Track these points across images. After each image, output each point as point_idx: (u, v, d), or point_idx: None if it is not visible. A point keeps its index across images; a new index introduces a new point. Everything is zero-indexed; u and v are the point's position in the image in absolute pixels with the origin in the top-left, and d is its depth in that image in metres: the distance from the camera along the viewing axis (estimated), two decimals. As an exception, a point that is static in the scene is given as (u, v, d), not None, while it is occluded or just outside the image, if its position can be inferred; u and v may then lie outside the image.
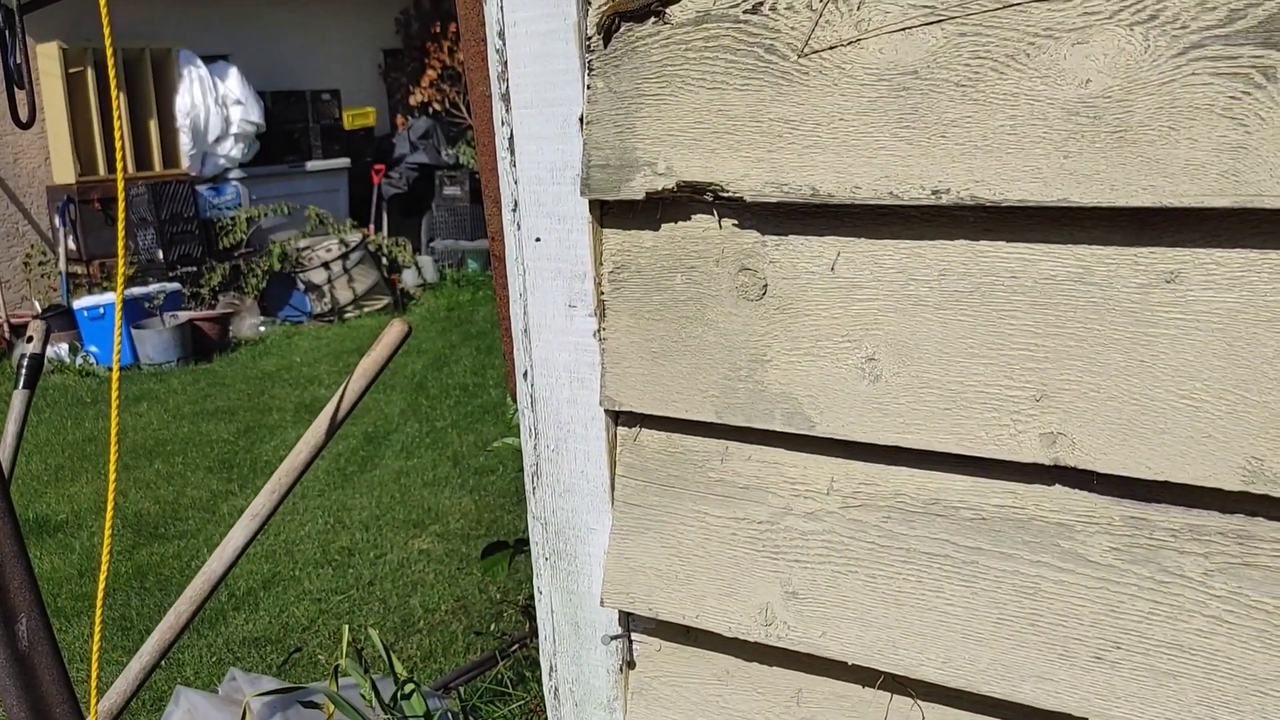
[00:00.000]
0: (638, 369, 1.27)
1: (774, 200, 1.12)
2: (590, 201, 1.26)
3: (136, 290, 9.59)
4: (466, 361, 9.22)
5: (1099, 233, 1.02)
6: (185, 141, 11.03)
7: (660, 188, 1.19)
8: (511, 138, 1.30)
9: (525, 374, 1.35)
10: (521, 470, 2.90)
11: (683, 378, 1.24)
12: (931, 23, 1.03)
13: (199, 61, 11.04)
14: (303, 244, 10.94)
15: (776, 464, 1.23)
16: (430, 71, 13.15)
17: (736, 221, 1.19)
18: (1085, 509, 1.06)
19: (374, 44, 13.69)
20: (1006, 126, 1.01)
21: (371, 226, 12.43)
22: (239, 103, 11.23)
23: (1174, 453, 1.00)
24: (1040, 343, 1.05)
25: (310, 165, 12.29)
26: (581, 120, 1.24)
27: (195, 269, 10.33)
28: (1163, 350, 1.00)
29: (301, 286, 10.82)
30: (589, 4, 1.22)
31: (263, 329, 10.46)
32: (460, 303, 11.48)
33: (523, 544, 2.75)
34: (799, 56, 1.10)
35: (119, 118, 1.42)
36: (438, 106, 13.25)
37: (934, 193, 1.04)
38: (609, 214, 1.27)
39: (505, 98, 1.29)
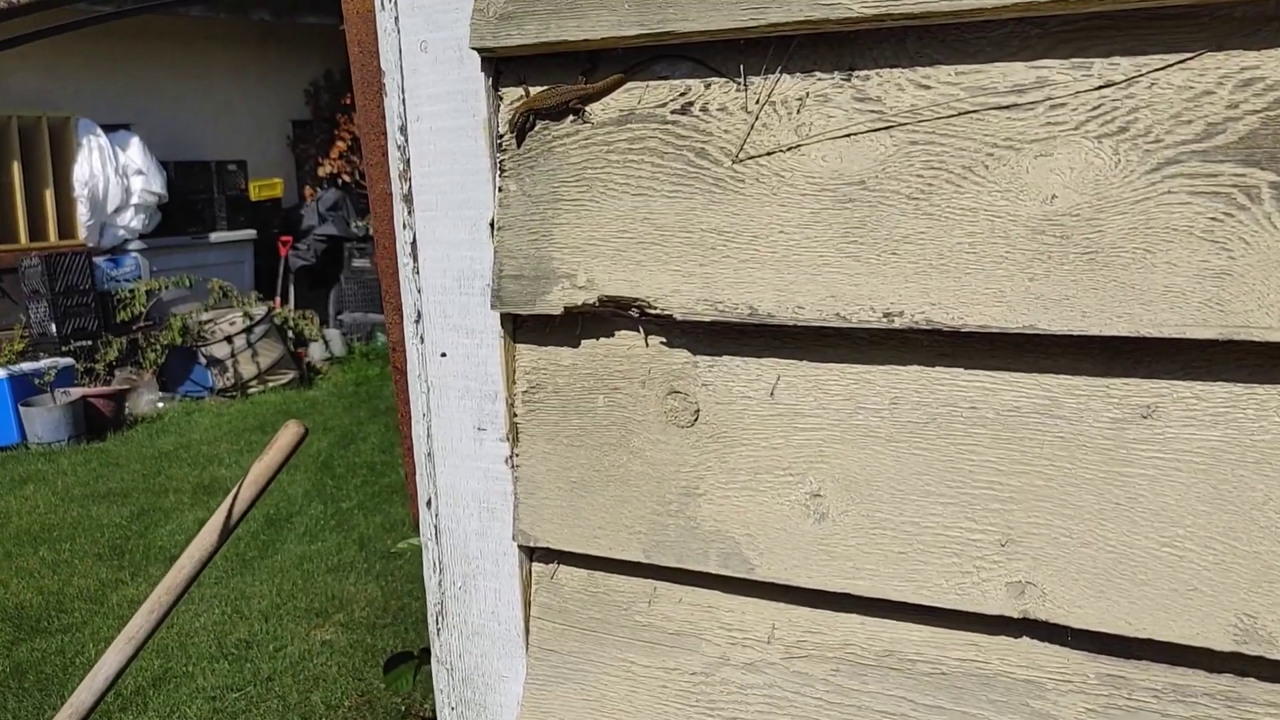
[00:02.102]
0: (555, 500, 1.14)
1: (707, 319, 1.01)
2: (502, 315, 1.13)
3: (26, 366, 9.16)
4: (374, 439, 8.96)
5: (1067, 361, 0.92)
6: (83, 212, 10.67)
7: (580, 302, 1.07)
8: (414, 243, 1.17)
9: (429, 502, 1.21)
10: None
11: (606, 511, 1.11)
12: (879, 129, 0.94)
13: (99, 130, 10.73)
14: (205, 317, 10.60)
15: (711, 608, 1.10)
16: (340, 143, 12.97)
17: (665, 339, 1.08)
18: (1057, 665, 0.95)
19: (282, 115, 13.48)
20: (965, 244, 0.91)
21: (278, 299, 12.13)
22: (140, 172, 10.92)
23: (1156, 607, 0.89)
24: (1004, 481, 0.95)
25: (214, 236, 11.98)
26: (493, 225, 1.12)
27: (90, 343, 9.92)
28: (1140, 492, 0.90)
29: (203, 361, 10.47)
30: (501, 99, 1.11)
31: (161, 405, 10.07)
32: (369, 377, 11.21)
33: (429, 653, 2.57)
34: (733, 162, 1.00)
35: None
36: (347, 178, 13.06)
37: (886, 315, 0.94)
38: (523, 328, 1.15)
39: (407, 199, 1.17)
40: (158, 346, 10.27)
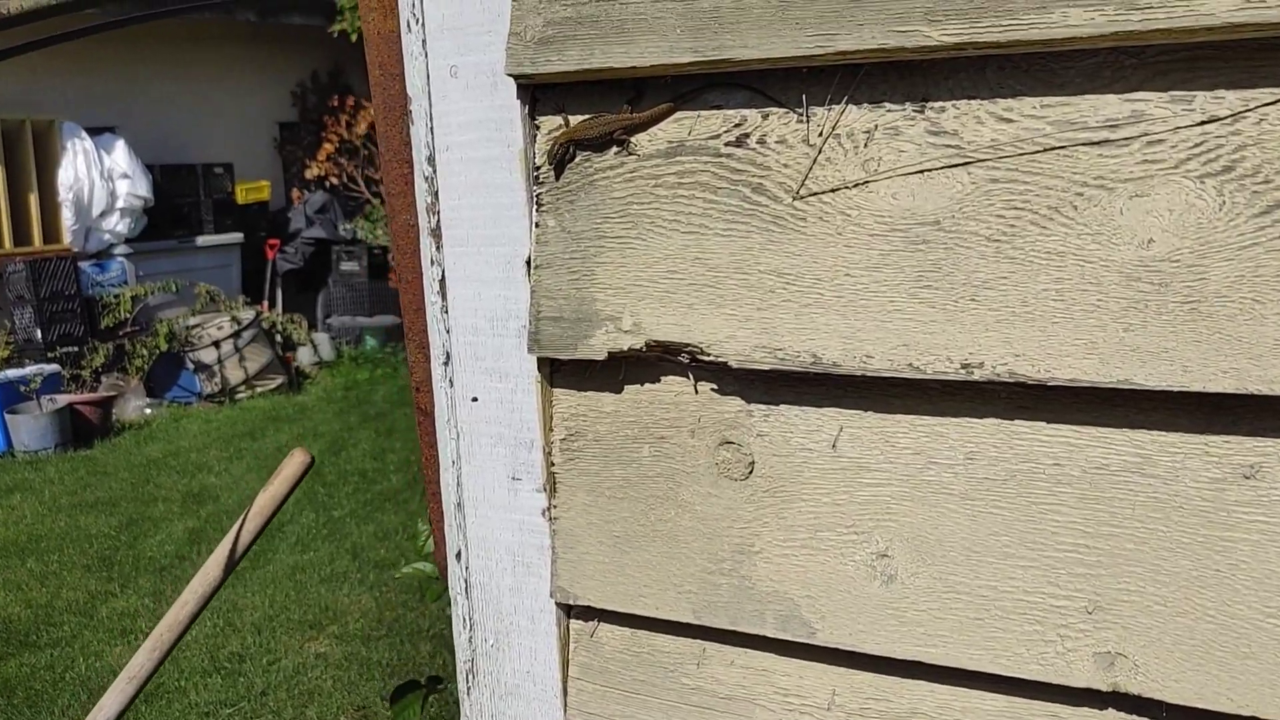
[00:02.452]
0: (597, 556, 1.07)
1: (765, 367, 0.94)
2: (539, 358, 1.06)
3: (12, 373, 9.03)
4: (365, 445, 8.86)
5: (1161, 416, 0.85)
6: (68, 216, 10.53)
7: (626, 347, 0.99)
8: (443, 280, 1.10)
9: (459, 555, 1.14)
10: (429, 593, 2.65)
11: (652, 568, 1.04)
12: (956, 165, 0.87)
13: (84, 134, 10.59)
14: (192, 322, 10.49)
15: (765, 672, 1.03)
16: (327, 145, 12.84)
17: (716, 386, 1.01)
18: (1148, 741, 0.89)
19: (269, 117, 13.36)
20: (1052, 291, 0.84)
21: (265, 303, 12.02)
22: (126, 176, 10.79)
23: (1262, 683, 0.83)
24: (1092, 544, 0.88)
25: (201, 240, 11.85)
26: (529, 263, 1.05)
27: (76, 349, 9.79)
28: (1242, 558, 0.83)
29: (190, 366, 10.35)
30: (538, 128, 1.04)
31: (148, 412, 9.95)
32: (358, 381, 11.10)
33: (437, 681, 2.50)
34: (794, 199, 0.93)
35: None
36: (335, 180, 12.94)
37: (964, 367, 0.87)
38: (561, 372, 1.07)
39: (435, 233, 1.09)
40: (144, 352, 10.15)
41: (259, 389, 10.69)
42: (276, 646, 5.42)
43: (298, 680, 5.05)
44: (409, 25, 1.06)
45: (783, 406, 0.98)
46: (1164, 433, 0.85)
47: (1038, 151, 0.84)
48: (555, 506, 1.08)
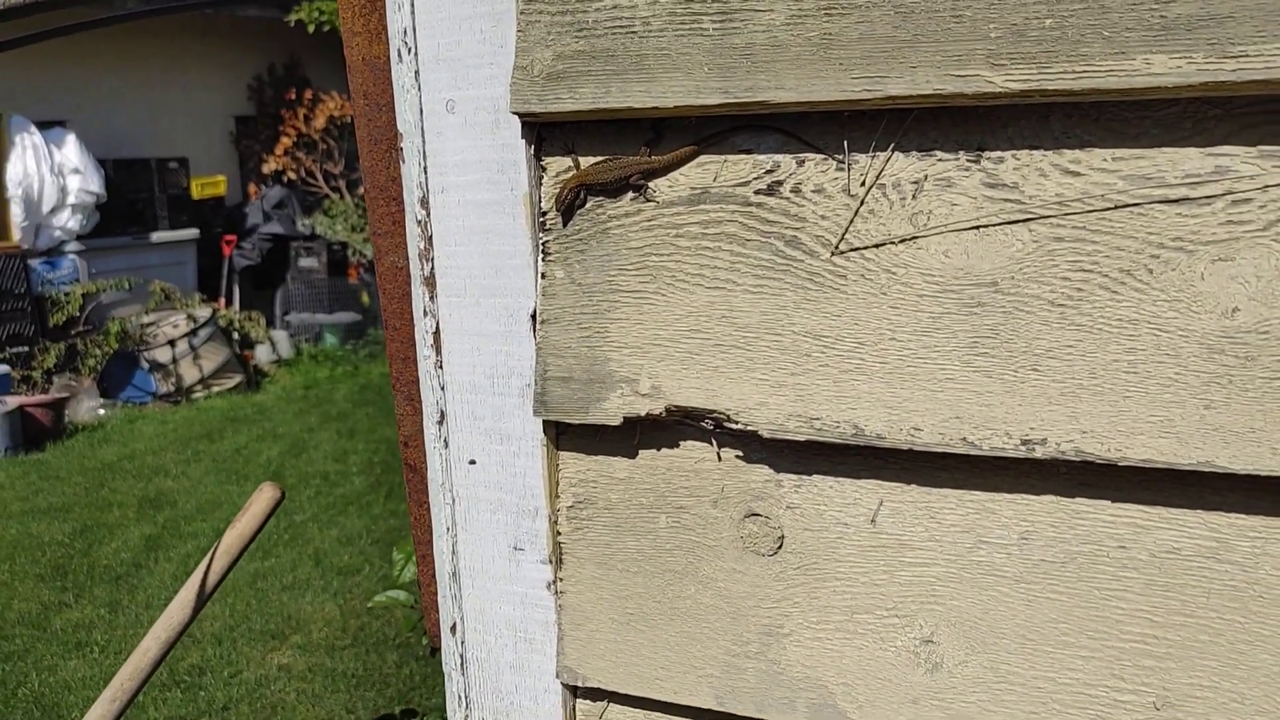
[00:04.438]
0: (608, 634, 0.98)
1: (801, 438, 0.86)
2: (544, 421, 0.97)
3: (-41, 374, 8.79)
4: (326, 446, 8.71)
5: (1239, 498, 0.78)
6: (17, 213, 10.26)
7: (644, 413, 0.91)
8: (437, 332, 1.00)
9: (454, 628, 1.05)
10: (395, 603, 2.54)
11: (670, 649, 0.96)
12: (1016, 221, 0.79)
13: (33, 128, 10.32)
14: (147, 320, 10.26)
15: (794, 761, 0.95)
16: (285, 139, 12.61)
17: (741, 453, 0.92)
18: None
19: (225, 110, 13.10)
20: (1123, 362, 0.77)
21: (222, 300, 11.80)
22: (77, 171, 10.53)
23: (1352, 792, 0.76)
24: (1161, 634, 0.80)
25: (155, 237, 11.61)
26: (534, 317, 0.96)
27: (26, 349, 9.55)
28: (1330, 655, 0.76)
29: (145, 366, 10.12)
30: (544, 170, 0.94)
31: (102, 413, 9.72)
32: (318, 380, 10.92)
33: (411, 715, 2.40)
34: (832, 254, 0.84)
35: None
36: (293, 175, 12.72)
37: (1025, 443, 0.79)
38: (568, 434, 0.98)
39: (429, 281, 1.00)
40: (97, 352, 9.92)
41: (216, 388, 10.49)
42: (238, 658, 5.29)
43: (260, 693, 4.93)
44: (400, 55, 0.96)
45: (816, 477, 0.90)
46: (1243, 515, 0.78)
47: (1108, 209, 0.76)
48: (562, 580, 1.00)
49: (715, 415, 0.89)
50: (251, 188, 13.10)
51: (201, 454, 8.63)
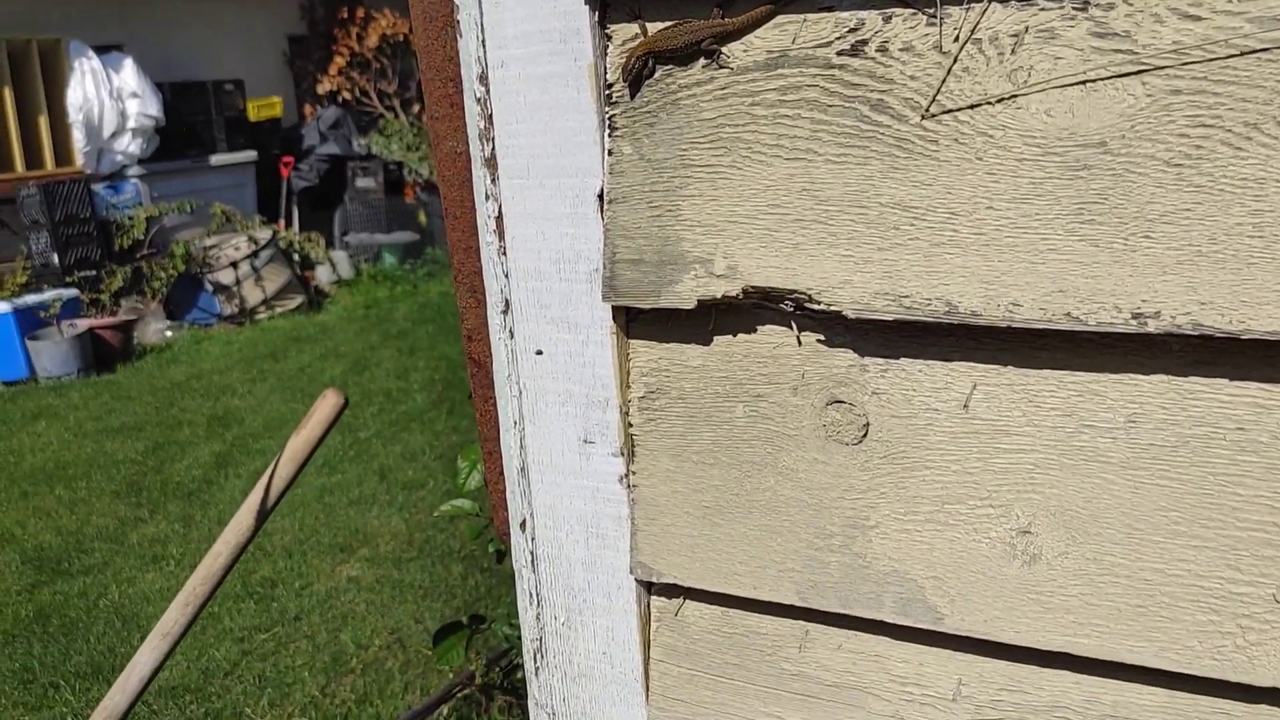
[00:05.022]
0: (683, 529, 0.94)
1: (889, 317, 0.80)
2: (614, 306, 0.92)
3: (30, 298, 8.94)
4: (388, 364, 8.77)
5: (1374, 372, 0.71)
6: (79, 138, 10.35)
7: (719, 294, 0.86)
8: (499, 217, 0.96)
9: (524, 524, 1.02)
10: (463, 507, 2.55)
11: (748, 544, 0.92)
12: (1128, 74, 0.72)
13: (90, 53, 10.35)
14: (209, 243, 10.35)
15: (879, 658, 0.91)
16: (338, 59, 12.54)
17: (823, 337, 0.87)
18: (1341, 746, 0.77)
19: (278, 31, 13.04)
20: (1248, 226, 0.70)
21: (282, 222, 11.86)
22: (135, 95, 10.57)
23: None
24: (1281, 521, 0.75)
25: (214, 160, 11.66)
26: (601, 197, 0.91)
27: (94, 273, 9.69)
28: None
29: (209, 288, 10.24)
30: (609, 39, 0.88)
31: (169, 335, 9.88)
32: (378, 299, 10.99)
33: (479, 620, 2.41)
34: (923, 118, 0.78)
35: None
36: (347, 95, 12.67)
37: (1136, 317, 0.73)
38: (639, 322, 0.94)
39: (490, 164, 0.95)
40: (162, 274, 10.04)
41: (278, 309, 10.60)
42: (308, 570, 5.39)
43: (330, 604, 5.03)
44: (454, -81, 0.90)
45: (903, 360, 0.84)
46: (1378, 392, 0.71)
47: (1233, 56, 0.69)
48: (634, 473, 0.96)
49: (796, 296, 0.83)
50: (307, 109, 13.09)
51: (267, 373, 8.74)
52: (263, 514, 1.76)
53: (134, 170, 10.80)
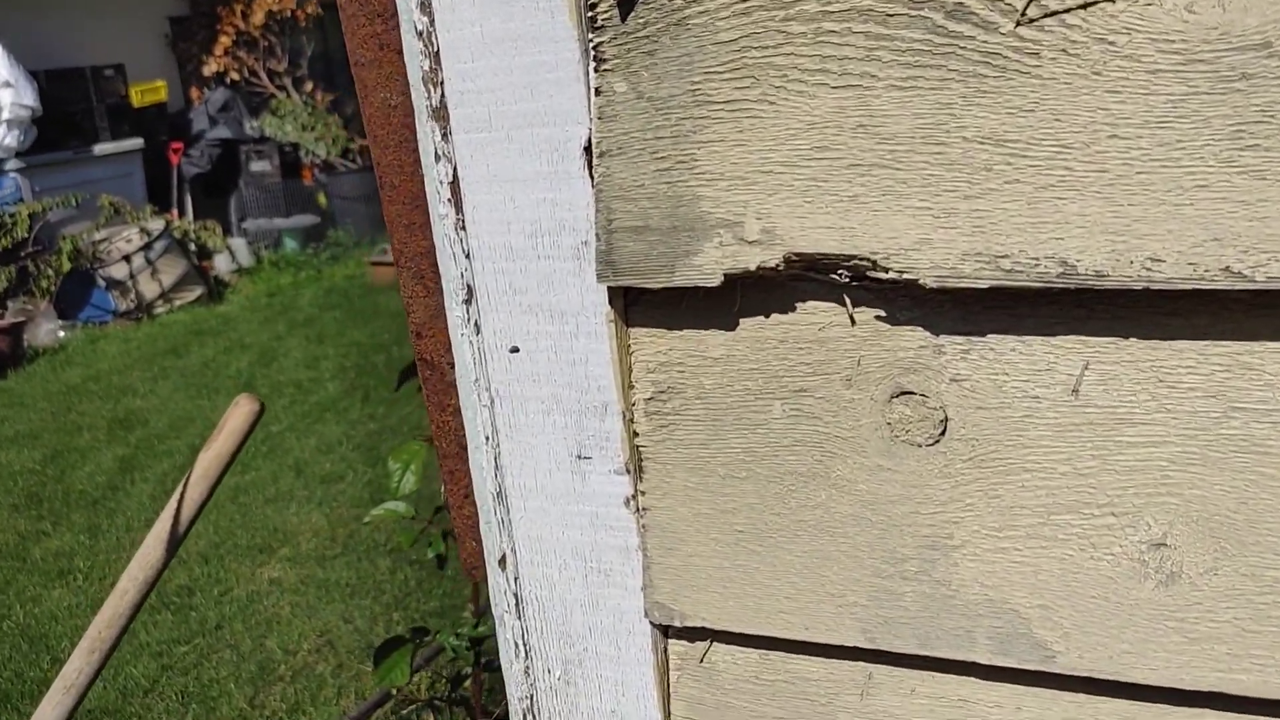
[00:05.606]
0: (712, 559, 0.75)
1: (983, 284, 0.62)
2: (610, 288, 0.73)
3: (-94, 305, 8.39)
4: (296, 354, 8.43)
5: None
6: (-52, 132, 9.74)
7: (754, 266, 0.67)
8: (455, 182, 0.75)
9: (503, 560, 0.82)
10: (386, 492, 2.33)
11: (796, 574, 0.73)
12: (1300, -52, 0.54)
13: (-46, 40, 9.72)
14: (98, 236, 9.82)
15: (965, 703, 0.74)
16: (224, 39, 11.98)
17: (883, 313, 0.69)
18: None
19: (158, 12, 12.42)
20: None
21: (175, 211, 11.33)
22: (8, 85, 9.95)
23: None
24: None
25: (98, 149, 11.07)
26: (588, 150, 0.71)
27: (-25, 275, 9.13)
28: None
29: (102, 284, 9.74)
30: (591, -57, 0.68)
31: (62, 335, 9.37)
32: (281, 287, 10.57)
33: (423, 633, 2.21)
34: (1016, 24, 0.60)
35: None
36: (235, 76, 12.13)
37: (1320, 267, 0.56)
38: (642, 305, 0.74)
39: (439, 114, 0.75)
40: (50, 272, 9.51)
41: (177, 302, 10.15)
42: (227, 575, 5.11)
43: (253, 609, 4.77)
44: None
45: (992, 338, 0.66)
46: None
47: None
48: (644, 493, 0.77)
49: (855, 263, 0.65)
50: (194, 92, 12.53)
51: (169, 370, 8.35)
52: (174, 542, 1.53)
53: (12, 164, 10.19)
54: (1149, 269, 0.59)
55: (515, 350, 0.77)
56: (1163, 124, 0.58)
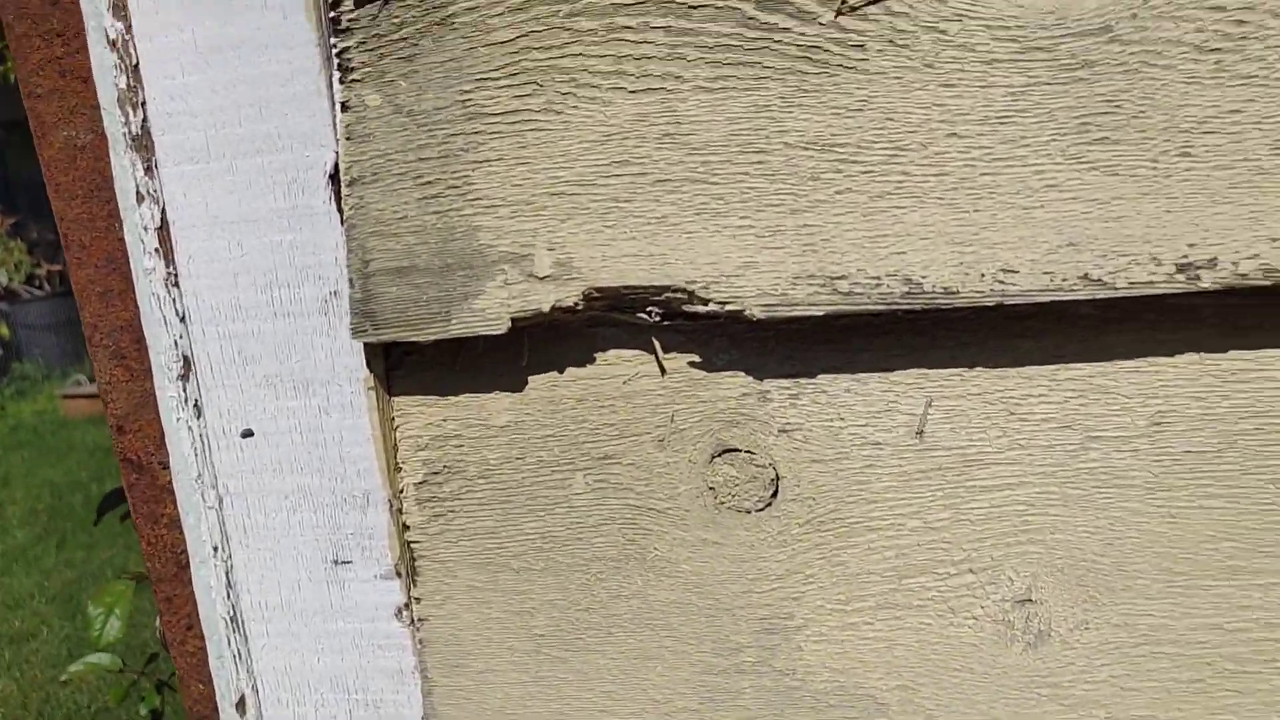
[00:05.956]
0: (505, 674, 0.62)
1: (819, 310, 0.53)
2: (368, 347, 0.60)
3: None
4: (-27, 504, 7.53)
5: None
6: None
7: (547, 306, 0.55)
8: (163, 227, 0.60)
9: (242, 703, 0.65)
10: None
11: (611, 682, 0.61)
12: (1132, -74, 0.50)
13: None
14: None
15: (815, 814, 0.63)
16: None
17: (698, 358, 0.59)
18: None
19: None
20: (1324, 124, 0.49)
21: None
22: None
23: None
24: (1371, 535, 0.54)
25: None
26: (334, 178, 0.58)
27: None
28: None
29: None
30: (330, -71, 0.57)
31: None
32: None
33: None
34: (838, 13, 0.52)
35: None
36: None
37: (1183, 269, 0.51)
38: (405, 368, 0.61)
39: (140, 143, 0.60)
40: None
41: None
42: (-107, 768, 4.40)
43: (-70, 803, 4.11)
44: None
45: (823, 379, 0.58)
46: None
47: (1277, -112, 0.49)
48: (420, 600, 0.62)
49: (669, 295, 0.55)
50: None
51: None
52: None
53: None
54: (1002, 282, 0.52)
55: (248, 434, 0.62)
56: (1004, 119, 0.52)
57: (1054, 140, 0.51)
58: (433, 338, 0.57)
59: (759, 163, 0.53)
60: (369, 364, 0.60)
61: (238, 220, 0.59)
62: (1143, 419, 0.55)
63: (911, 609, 0.58)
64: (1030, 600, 0.57)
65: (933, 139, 0.52)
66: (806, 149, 0.53)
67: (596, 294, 0.56)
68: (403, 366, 0.61)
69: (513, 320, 0.56)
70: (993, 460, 0.57)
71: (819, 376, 0.58)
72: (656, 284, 0.55)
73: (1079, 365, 0.56)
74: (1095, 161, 0.51)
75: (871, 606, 0.58)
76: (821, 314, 0.53)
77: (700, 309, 0.55)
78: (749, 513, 0.59)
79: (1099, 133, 0.51)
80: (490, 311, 0.56)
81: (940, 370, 0.57)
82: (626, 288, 0.55)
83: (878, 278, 0.53)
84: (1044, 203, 0.51)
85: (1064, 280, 0.51)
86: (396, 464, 0.62)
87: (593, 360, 0.60)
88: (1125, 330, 0.55)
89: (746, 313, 0.54)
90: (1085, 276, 0.51)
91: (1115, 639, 0.57)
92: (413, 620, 0.63)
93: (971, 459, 0.57)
